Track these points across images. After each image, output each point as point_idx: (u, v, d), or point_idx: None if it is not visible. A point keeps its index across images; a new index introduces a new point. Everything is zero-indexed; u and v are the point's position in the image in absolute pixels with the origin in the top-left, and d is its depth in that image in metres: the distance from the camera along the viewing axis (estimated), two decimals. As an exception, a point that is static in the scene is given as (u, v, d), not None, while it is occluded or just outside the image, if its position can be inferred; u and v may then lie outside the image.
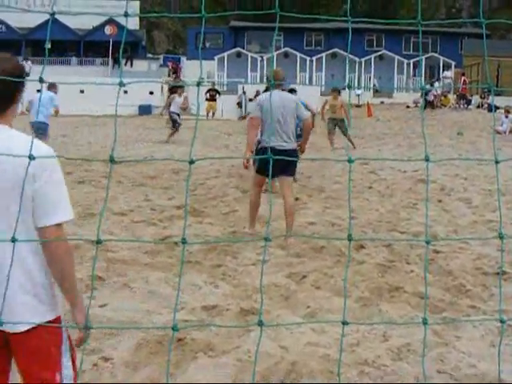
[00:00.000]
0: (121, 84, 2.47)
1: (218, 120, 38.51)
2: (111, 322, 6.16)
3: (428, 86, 44.71)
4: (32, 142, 2.95)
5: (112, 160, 2.64)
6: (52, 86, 17.37)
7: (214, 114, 41.58)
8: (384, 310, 6.67)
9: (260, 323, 2.63)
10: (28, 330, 3.16)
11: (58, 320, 3.35)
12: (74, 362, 3.41)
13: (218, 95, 43.22)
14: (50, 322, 3.26)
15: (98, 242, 2.78)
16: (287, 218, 9.72)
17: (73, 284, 3.36)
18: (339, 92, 24.16)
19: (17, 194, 3.01)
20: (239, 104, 44.32)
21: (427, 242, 2.86)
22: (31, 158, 2.83)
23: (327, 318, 6.44)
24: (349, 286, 7.41)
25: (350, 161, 2.68)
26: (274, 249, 8.86)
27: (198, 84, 2.65)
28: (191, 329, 5.89)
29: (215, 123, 35.15)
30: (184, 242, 2.73)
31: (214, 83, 46.54)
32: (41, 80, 2.43)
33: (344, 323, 2.76)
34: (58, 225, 3.17)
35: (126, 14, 2.44)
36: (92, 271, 3.60)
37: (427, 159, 2.71)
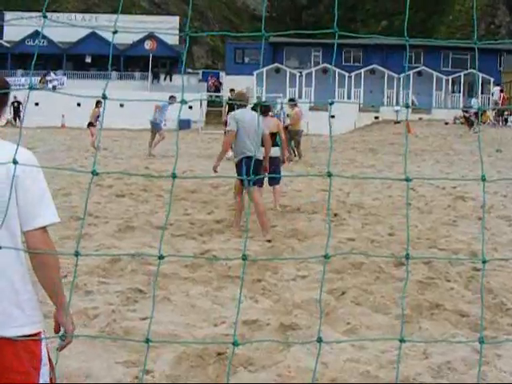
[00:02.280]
0: (183, 102, 2.51)
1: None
2: (152, 335, 6.18)
3: (473, 101, 44.49)
4: (16, 149, 2.95)
5: (94, 172, 2.68)
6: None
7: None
8: (424, 328, 6.64)
9: (319, 340, 2.65)
10: (5, 338, 3.10)
11: (38, 335, 3.28)
12: (51, 380, 3.35)
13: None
14: (29, 335, 3.21)
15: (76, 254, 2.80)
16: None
17: (58, 287, 3.35)
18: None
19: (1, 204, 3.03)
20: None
21: (484, 262, 2.86)
22: (15, 162, 2.82)
23: (367, 335, 6.44)
24: (389, 302, 7.39)
25: (329, 175, 2.72)
26: (314, 264, 8.86)
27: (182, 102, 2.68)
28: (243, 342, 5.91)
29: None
30: (161, 257, 2.79)
31: (259, 97, 46.56)
32: (104, 97, 2.47)
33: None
34: (44, 228, 3.17)
35: (186, 34, 2.48)
36: (73, 281, 3.55)
37: (483, 179, 2.72)
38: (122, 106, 40.23)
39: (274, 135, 12.79)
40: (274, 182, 13.06)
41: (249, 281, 8.16)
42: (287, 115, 24.76)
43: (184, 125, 45.84)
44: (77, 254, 2.65)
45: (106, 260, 8.68)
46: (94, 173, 2.55)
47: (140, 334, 6.28)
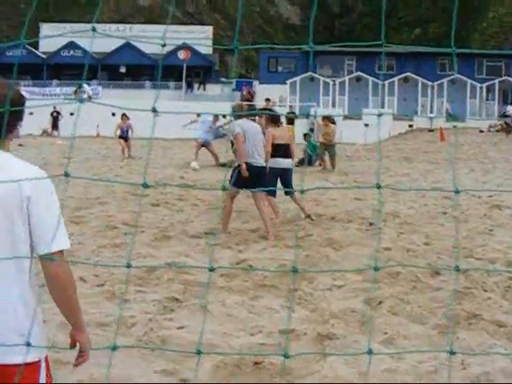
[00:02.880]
0: (234, 112, 2.53)
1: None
2: (189, 344, 6.21)
3: (509, 108, 44.13)
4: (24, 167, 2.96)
5: (145, 185, 2.70)
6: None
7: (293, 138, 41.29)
8: (461, 338, 6.60)
9: (369, 352, 2.66)
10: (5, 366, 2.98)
11: (38, 363, 3.10)
12: None
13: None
14: (30, 363, 3.04)
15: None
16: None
17: (75, 308, 3.24)
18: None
19: (9, 225, 2.95)
20: (312, 130, 44.34)
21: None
22: (24, 180, 2.83)
23: (404, 345, 6.42)
24: (426, 312, 7.36)
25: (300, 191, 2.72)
26: (350, 274, 8.85)
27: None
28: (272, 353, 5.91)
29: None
30: (128, 266, 2.80)
31: (291, 107, 46.57)
32: (154, 110, 2.50)
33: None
34: (61, 252, 3.06)
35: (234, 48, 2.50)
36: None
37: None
38: (156, 115, 40.36)
39: (287, 147, 13.08)
40: (288, 192, 13.15)
41: (285, 290, 8.17)
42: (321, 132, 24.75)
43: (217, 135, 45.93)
44: (128, 266, 2.68)
45: (143, 269, 8.74)
46: (145, 186, 2.58)
47: (177, 343, 6.31)
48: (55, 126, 48.08)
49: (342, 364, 5.80)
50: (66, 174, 2.46)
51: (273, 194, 12.58)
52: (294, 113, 44.19)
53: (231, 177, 11.83)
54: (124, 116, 28.07)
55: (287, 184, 13.07)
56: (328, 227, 12.35)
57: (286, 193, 13.26)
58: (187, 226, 12.27)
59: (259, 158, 11.81)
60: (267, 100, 37.81)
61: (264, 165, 11.97)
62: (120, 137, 28.37)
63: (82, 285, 8.18)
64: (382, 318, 7.15)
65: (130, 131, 28.37)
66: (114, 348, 2.77)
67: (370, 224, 12.66)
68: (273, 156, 12.61)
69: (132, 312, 7.18)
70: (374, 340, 6.50)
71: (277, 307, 7.48)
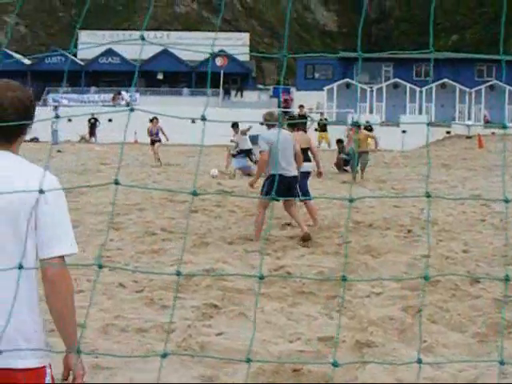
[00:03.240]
0: (279, 123, 2.55)
1: (325, 151, 38.48)
2: (227, 351, 6.24)
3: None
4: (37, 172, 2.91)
5: (195, 192, 2.72)
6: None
7: (329, 144, 41.12)
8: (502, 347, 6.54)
9: (419, 361, 2.65)
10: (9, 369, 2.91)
11: (42, 369, 3.00)
12: None
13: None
14: (34, 368, 2.97)
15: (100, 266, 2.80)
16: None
17: (70, 320, 3.06)
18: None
19: (15, 230, 2.91)
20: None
21: None
22: (41, 191, 2.77)
23: (443, 353, 6.38)
24: (465, 320, 7.31)
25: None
26: (389, 281, 8.81)
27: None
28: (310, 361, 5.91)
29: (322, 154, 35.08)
30: (100, 266, 2.80)
31: (322, 113, 46.53)
32: (203, 118, 2.51)
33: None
34: (61, 257, 2.98)
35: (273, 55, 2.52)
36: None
37: None
38: (193, 122, 40.58)
39: (304, 151, 13.23)
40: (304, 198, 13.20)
41: (323, 297, 8.16)
42: (354, 139, 24.13)
43: (255, 140, 46.04)
44: (178, 274, 2.70)
45: (182, 276, 8.77)
46: (194, 194, 2.60)
47: (215, 349, 6.33)
48: (93, 132, 48.50)
49: (381, 372, 5.79)
50: (117, 182, 2.48)
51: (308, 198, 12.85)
52: (326, 119, 44.18)
53: (263, 186, 11.96)
54: (155, 119, 28.20)
55: (301, 187, 13.03)
56: (366, 234, 12.31)
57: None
58: (225, 233, 12.31)
59: (290, 168, 11.81)
60: (301, 106, 37.82)
61: (296, 174, 11.98)
62: (152, 142, 28.47)
63: (121, 290, 8.25)
64: (421, 326, 7.11)
65: (160, 134, 28.46)
66: (165, 355, 2.78)
67: (409, 231, 12.60)
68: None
69: (171, 318, 7.22)
70: (413, 348, 6.47)
71: (315, 314, 7.48)
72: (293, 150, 12.01)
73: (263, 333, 6.83)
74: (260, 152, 12.07)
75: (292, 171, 11.84)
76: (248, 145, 24.12)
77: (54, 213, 2.95)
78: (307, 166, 13.46)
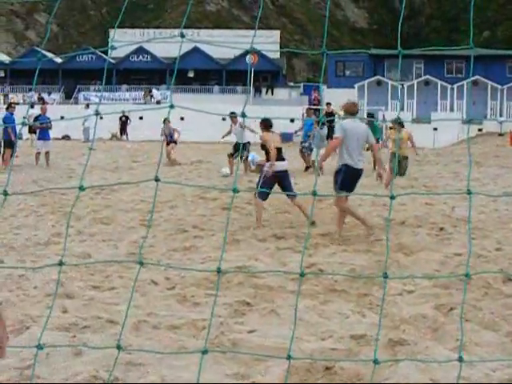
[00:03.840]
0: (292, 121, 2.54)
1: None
2: (259, 348, 6.24)
3: None
4: None
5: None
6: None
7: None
8: (536, 346, 6.50)
9: (460, 359, 2.64)
10: None
11: None
12: None
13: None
14: None
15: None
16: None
17: None
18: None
19: None
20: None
21: None
22: None
23: (476, 352, 6.34)
24: (498, 319, 7.25)
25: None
26: (421, 280, 8.78)
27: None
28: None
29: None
30: (219, 270, 2.79)
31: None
32: (243, 115, 2.51)
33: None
34: None
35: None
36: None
37: None
38: (224, 119, 40.65)
39: (279, 150, 13.14)
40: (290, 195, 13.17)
41: (355, 295, 8.15)
42: (393, 139, 22.01)
43: (287, 137, 46.03)
44: (219, 271, 2.71)
45: (214, 272, 8.80)
46: (235, 191, 2.61)
47: (248, 346, 6.33)
48: (124, 130, 48.72)
49: (414, 370, 5.75)
50: (157, 179, 2.50)
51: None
52: (372, 115, 43.85)
53: (335, 181, 11.84)
54: (167, 120, 28.25)
55: (287, 187, 13.02)
56: (398, 232, 12.26)
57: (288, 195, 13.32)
58: (256, 230, 12.32)
59: (359, 161, 11.69)
60: (328, 104, 37.90)
61: (362, 167, 11.85)
62: (168, 142, 28.46)
63: (154, 288, 8.29)
64: (454, 325, 7.07)
65: (176, 134, 28.49)
66: (205, 352, 2.79)
67: (441, 229, 12.53)
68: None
69: (203, 315, 7.24)
70: (446, 346, 6.44)
71: (347, 312, 7.46)
72: (365, 144, 12.14)
73: (296, 330, 6.82)
74: (334, 137, 11.91)
75: (360, 164, 11.74)
76: (245, 138, 23.62)
77: None
78: (284, 165, 13.13)
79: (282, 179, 12.80)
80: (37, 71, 3.62)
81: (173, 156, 27.85)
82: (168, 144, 28.18)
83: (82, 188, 2.75)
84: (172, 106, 2.43)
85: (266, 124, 13.13)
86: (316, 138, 23.40)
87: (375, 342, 6.37)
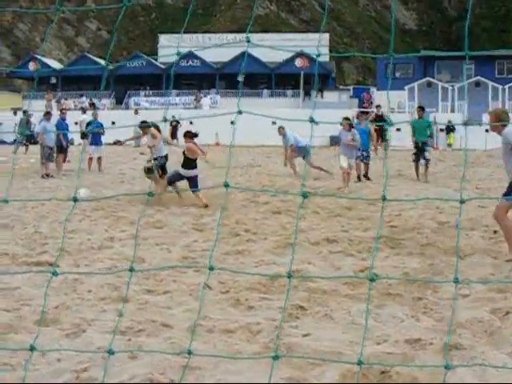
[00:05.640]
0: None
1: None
2: (314, 352, 6.23)
3: None
4: None
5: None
6: None
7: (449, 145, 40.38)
8: None
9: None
10: None
11: None
12: None
13: None
14: None
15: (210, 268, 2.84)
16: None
17: None
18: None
19: None
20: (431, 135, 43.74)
21: None
22: None
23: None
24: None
25: None
26: (476, 284, 8.69)
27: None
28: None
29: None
30: (211, 268, 2.80)
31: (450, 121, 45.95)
32: (312, 120, 2.53)
33: None
34: None
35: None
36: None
37: None
38: (274, 123, 40.73)
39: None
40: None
41: (409, 299, 8.10)
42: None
43: (337, 140, 45.94)
44: (289, 276, 2.71)
45: (266, 276, 8.84)
46: (304, 196, 2.62)
47: (302, 351, 6.32)
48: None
49: (471, 376, 5.70)
50: (226, 185, 2.52)
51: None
52: (450, 121, 43.40)
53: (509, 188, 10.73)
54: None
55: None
56: (451, 235, 12.16)
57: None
58: (309, 234, 12.29)
59: None
60: (378, 107, 37.75)
61: None
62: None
63: (208, 291, 8.32)
64: (510, 329, 6.99)
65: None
66: (277, 357, 2.81)
67: (495, 232, 12.39)
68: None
69: (257, 319, 7.25)
70: (502, 351, 6.36)
71: (402, 316, 7.42)
72: None
73: (350, 334, 6.81)
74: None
75: None
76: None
77: None
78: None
79: None
80: (102, 79, 3.65)
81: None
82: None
83: (150, 194, 2.80)
84: (240, 112, 2.45)
85: None
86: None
87: (445, 346, 6.34)
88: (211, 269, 2.88)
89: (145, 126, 18.07)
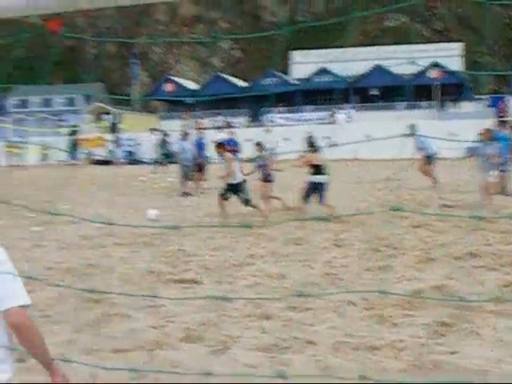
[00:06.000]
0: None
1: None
2: (461, 370, 6.16)
3: None
4: None
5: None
6: None
7: None
8: None
9: None
10: None
11: None
12: None
13: None
14: None
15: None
16: None
17: (45, 351, 3.52)
18: None
19: None
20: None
21: None
22: None
23: None
24: None
25: None
26: None
27: None
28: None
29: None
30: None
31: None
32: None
33: None
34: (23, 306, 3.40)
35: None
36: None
37: None
38: (409, 135, 40.37)
39: None
40: None
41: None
42: None
43: (474, 151, 45.04)
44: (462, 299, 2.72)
45: (410, 293, 8.79)
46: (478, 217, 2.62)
47: (449, 368, 6.26)
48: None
49: None
50: (394, 209, 2.56)
51: None
52: None
53: None
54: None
55: None
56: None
57: None
58: (451, 248, 12.09)
59: None
60: None
61: None
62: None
63: (352, 308, 8.33)
64: None
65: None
66: None
67: None
68: None
69: (401, 336, 7.21)
70: None
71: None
72: None
73: (496, 352, 6.68)
74: None
75: None
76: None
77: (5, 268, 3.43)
78: None
79: None
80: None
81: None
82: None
83: (328, 219, 2.85)
84: (412, 135, 2.47)
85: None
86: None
87: None
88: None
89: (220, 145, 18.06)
